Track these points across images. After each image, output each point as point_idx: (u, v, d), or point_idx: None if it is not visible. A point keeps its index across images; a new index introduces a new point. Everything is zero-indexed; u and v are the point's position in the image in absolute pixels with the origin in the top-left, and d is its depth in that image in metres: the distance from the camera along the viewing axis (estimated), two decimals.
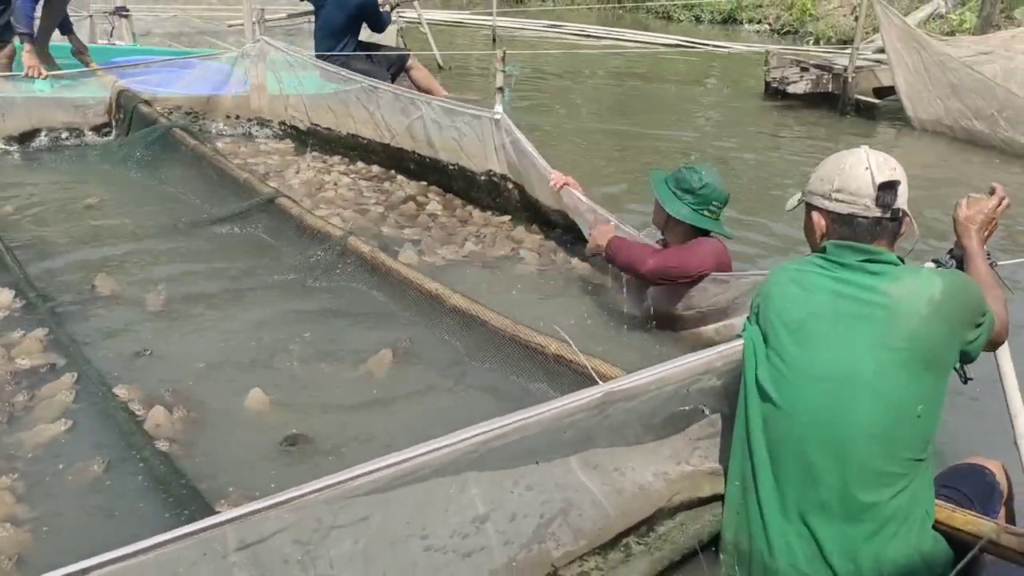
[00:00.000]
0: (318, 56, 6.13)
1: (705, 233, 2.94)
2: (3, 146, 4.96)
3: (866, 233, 1.77)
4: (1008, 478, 1.89)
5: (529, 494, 1.63)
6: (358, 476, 1.35)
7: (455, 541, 1.52)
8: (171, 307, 3.12)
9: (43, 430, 2.32)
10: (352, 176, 4.87)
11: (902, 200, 1.77)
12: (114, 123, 5.21)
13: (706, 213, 2.91)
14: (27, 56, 5.09)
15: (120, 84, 5.24)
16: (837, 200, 1.79)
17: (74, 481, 2.15)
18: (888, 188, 1.75)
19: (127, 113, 5.11)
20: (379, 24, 6.54)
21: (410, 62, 7.07)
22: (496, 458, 1.54)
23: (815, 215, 1.84)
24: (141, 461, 2.19)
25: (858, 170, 1.77)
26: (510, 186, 4.14)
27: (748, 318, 1.89)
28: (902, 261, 1.78)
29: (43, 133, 5.09)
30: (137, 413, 2.41)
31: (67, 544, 1.94)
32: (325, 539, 1.35)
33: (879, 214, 1.76)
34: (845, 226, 1.78)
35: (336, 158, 5.20)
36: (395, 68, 6.86)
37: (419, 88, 6.93)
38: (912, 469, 1.66)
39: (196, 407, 2.48)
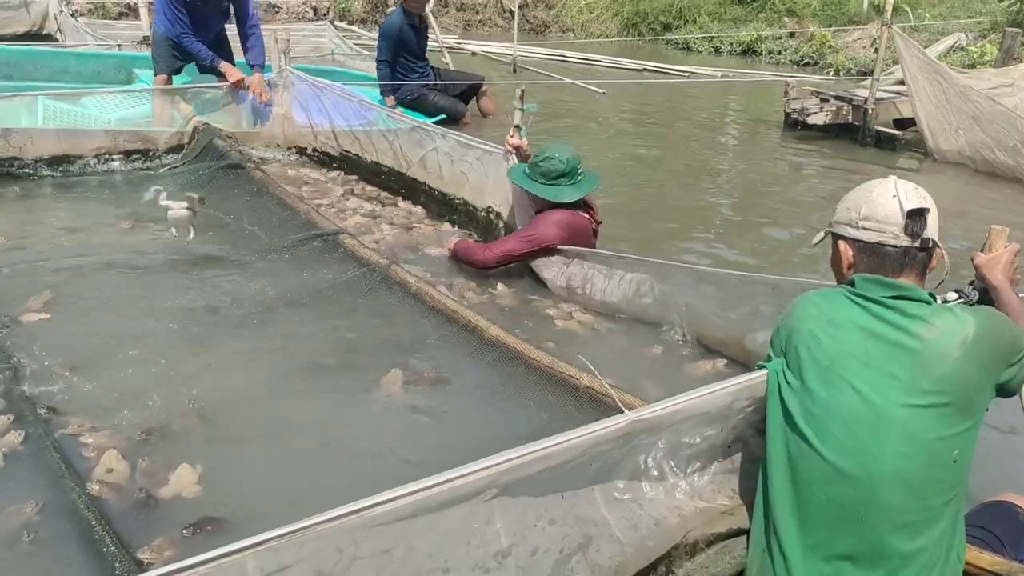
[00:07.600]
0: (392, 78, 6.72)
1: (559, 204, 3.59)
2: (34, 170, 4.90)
3: (894, 264, 1.73)
4: None
5: (552, 528, 1.61)
6: (380, 503, 1.34)
7: None
8: (165, 343, 3.07)
9: None
10: (373, 203, 4.91)
11: (932, 230, 1.74)
12: (164, 152, 5.24)
13: (560, 183, 3.56)
14: (256, 83, 5.50)
15: (198, 119, 5.33)
16: (864, 228, 1.75)
17: (6, 525, 2.09)
18: (917, 216, 1.71)
19: (195, 144, 5.15)
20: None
21: (484, 87, 7.26)
22: (522, 489, 1.53)
23: (842, 245, 1.81)
24: (78, 506, 2.08)
25: (886, 197, 1.74)
26: (501, 224, 4.15)
27: (771, 350, 1.84)
28: (933, 298, 1.73)
29: (77, 158, 5.05)
30: (87, 457, 2.32)
31: None
32: (347, 571, 1.33)
33: (908, 243, 1.72)
34: (873, 256, 1.75)
35: (359, 185, 5.25)
36: (467, 93, 7.14)
37: (483, 115, 7.21)
38: (944, 513, 1.61)
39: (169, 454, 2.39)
